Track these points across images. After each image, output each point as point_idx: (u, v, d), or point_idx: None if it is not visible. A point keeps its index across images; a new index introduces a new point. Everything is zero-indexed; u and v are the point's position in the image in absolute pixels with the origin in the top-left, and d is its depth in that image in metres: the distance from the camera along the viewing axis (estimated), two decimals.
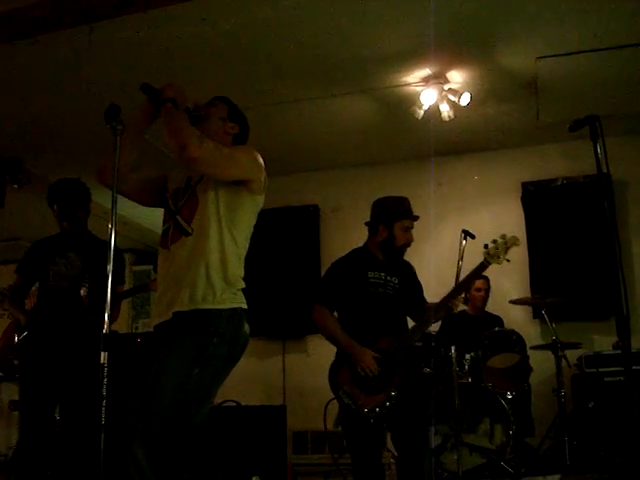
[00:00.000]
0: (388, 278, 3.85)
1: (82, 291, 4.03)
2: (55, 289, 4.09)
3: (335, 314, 3.86)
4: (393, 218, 3.86)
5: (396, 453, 3.77)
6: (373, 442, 3.66)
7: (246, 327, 2.69)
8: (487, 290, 6.02)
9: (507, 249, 3.75)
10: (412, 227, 3.90)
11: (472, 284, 5.78)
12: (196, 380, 2.52)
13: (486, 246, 3.78)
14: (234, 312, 2.65)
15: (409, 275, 4.01)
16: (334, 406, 3.91)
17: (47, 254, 4.18)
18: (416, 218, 3.92)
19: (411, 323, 3.93)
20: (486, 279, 5.92)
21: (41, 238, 4.37)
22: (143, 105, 2.80)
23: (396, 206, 3.92)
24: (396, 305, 3.85)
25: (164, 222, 2.83)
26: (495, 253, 3.73)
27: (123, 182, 2.70)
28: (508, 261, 3.78)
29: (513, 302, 5.77)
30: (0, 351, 4.45)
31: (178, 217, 2.73)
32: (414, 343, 3.84)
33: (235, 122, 2.98)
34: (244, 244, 2.79)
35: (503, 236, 3.78)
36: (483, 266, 3.78)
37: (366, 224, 4.01)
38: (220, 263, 2.66)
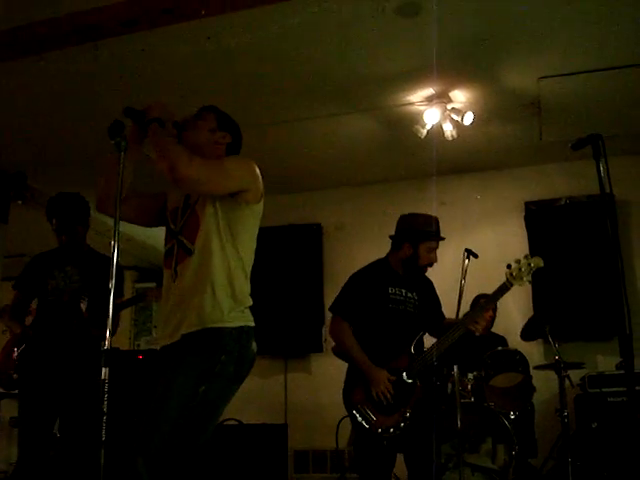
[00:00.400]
0: (409, 295, 3.80)
1: (82, 305, 4.01)
2: (54, 304, 4.07)
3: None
4: (420, 238, 3.81)
5: (399, 475, 3.72)
6: (384, 463, 3.60)
7: (254, 345, 2.67)
8: (495, 311, 5.96)
9: (531, 270, 3.68)
10: (437, 247, 3.86)
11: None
12: (202, 398, 2.50)
13: (509, 266, 3.70)
14: (242, 330, 2.62)
15: (428, 291, 3.97)
16: (346, 423, 3.87)
17: (45, 269, 4.17)
18: (442, 239, 3.87)
19: (428, 339, 3.88)
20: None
21: (39, 253, 4.35)
22: (130, 129, 2.74)
23: (425, 225, 3.87)
24: (416, 323, 3.79)
25: (166, 242, 2.81)
26: (519, 275, 3.66)
27: (121, 206, 2.65)
28: (530, 283, 3.72)
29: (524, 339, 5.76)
30: (1, 367, 4.43)
31: (180, 237, 2.71)
32: (432, 362, 3.78)
33: (226, 131, 2.92)
34: (249, 257, 2.75)
35: (527, 256, 3.72)
36: (505, 288, 3.71)
37: (390, 237, 3.97)
38: (226, 280, 2.63)
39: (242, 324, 2.63)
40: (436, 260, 3.84)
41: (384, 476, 3.61)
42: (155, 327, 10.18)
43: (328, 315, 7.12)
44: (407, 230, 3.88)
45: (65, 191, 4.33)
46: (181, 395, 2.48)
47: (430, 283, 4.01)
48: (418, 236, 3.82)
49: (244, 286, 2.70)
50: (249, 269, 2.75)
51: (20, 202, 6.23)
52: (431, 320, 3.90)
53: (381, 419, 3.55)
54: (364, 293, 3.78)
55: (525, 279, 3.68)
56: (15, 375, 4.18)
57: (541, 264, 3.73)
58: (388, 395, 3.54)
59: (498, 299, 3.82)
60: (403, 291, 3.79)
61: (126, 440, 2.45)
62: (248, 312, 2.69)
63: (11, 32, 4.49)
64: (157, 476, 2.37)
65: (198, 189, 2.65)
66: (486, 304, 3.79)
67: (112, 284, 2.51)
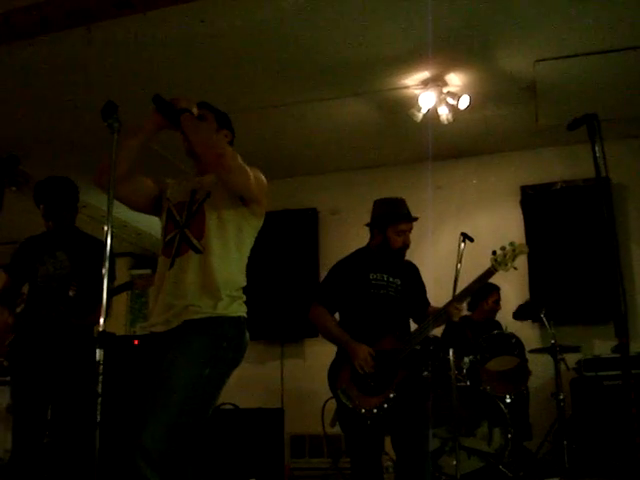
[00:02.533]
0: (390, 280, 3.82)
1: (70, 292, 3.96)
2: (44, 290, 4.02)
3: (337, 316, 3.83)
4: (386, 222, 3.82)
5: (394, 457, 3.75)
6: (371, 444, 3.62)
7: (247, 335, 2.77)
8: (498, 302, 5.98)
9: (515, 257, 3.73)
10: (409, 230, 3.84)
11: (490, 295, 5.79)
12: (206, 381, 2.57)
13: (494, 252, 3.75)
14: (239, 320, 2.72)
15: (413, 276, 3.97)
16: (332, 406, 3.89)
17: (35, 254, 4.11)
18: (412, 220, 3.86)
19: (414, 325, 3.91)
20: (497, 288, 5.89)
21: (29, 237, 4.30)
22: (151, 116, 2.79)
23: (389, 208, 3.87)
24: (398, 307, 3.81)
25: (167, 231, 2.83)
26: (503, 260, 3.71)
27: (120, 187, 2.72)
28: (515, 269, 3.77)
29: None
30: None
31: (186, 231, 2.75)
32: (414, 347, 3.81)
33: (226, 128, 2.99)
34: (246, 258, 2.87)
35: (512, 243, 3.76)
36: (490, 273, 3.75)
37: (366, 225, 4.00)
38: (229, 277, 2.73)
39: (240, 315, 2.74)
40: (408, 242, 3.84)
41: (373, 457, 3.62)
42: None
43: None
44: (374, 217, 3.90)
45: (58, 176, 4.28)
46: (189, 374, 2.54)
47: (415, 269, 4.02)
48: (384, 221, 3.83)
49: (242, 282, 2.80)
50: (245, 268, 2.86)
51: (14, 189, 6.19)
52: (415, 305, 3.91)
53: (364, 400, 3.58)
54: (345, 280, 3.80)
55: (509, 264, 3.72)
56: (5, 363, 4.15)
57: (525, 250, 3.76)
58: (370, 365, 3.56)
59: (483, 283, 3.83)
60: (385, 276, 3.80)
61: (134, 420, 2.46)
62: (244, 305, 2.79)
63: (2, 16, 4.45)
64: (167, 457, 2.40)
65: (235, 180, 2.69)
66: (471, 286, 3.80)
67: (105, 268, 2.49)
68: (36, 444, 3.79)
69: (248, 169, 2.72)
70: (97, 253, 3.64)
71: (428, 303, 4.00)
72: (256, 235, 2.91)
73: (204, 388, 2.57)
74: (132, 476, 2.39)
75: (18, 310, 4.21)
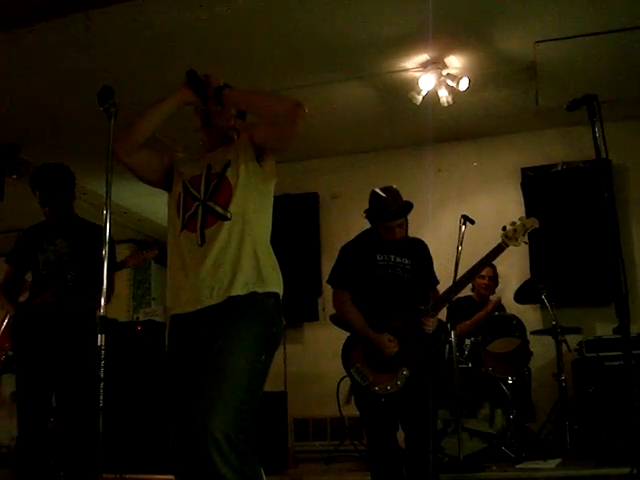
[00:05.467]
0: (398, 260, 3.83)
1: (68, 276, 3.96)
2: (47, 277, 4.03)
3: None
4: (375, 219, 3.86)
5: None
6: (386, 421, 3.65)
7: (283, 319, 2.74)
8: (492, 278, 5.93)
9: (526, 231, 3.75)
10: (399, 224, 3.81)
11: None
12: (263, 367, 2.54)
13: (504, 228, 3.77)
14: (278, 300, 2.71)
15: (421, 254, 3.97)
16: (346, 385, 3.94)
17: (36, 242, 4.11)
18: (401, 216, 3.82)
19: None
20: (492, 267, 5.84)
21: (30, 226, 4.31)
22: (181, 89, 2.79)
23: (377, 205, 3.85)
24: (407, 286, 3.82)
25: (186, 207, 2.75)
26: (513, 235, 3.73)
27: (134, 154, 2.73)
28: (526, 243, 3.80)
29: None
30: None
31: (209, 203, 2.69)
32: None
33: (240, 117, 2.97)
34: (270, 224, 2.86)
35: (521, 218, 3.80)
36: (500, 248, 3.76)
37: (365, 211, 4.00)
38: (264, 246, 2.73)
39: (278, 290, 2.72)
40: (401, 235, 3.83)
41: (388, 435, 3.65)
42: (154, 299, 10.20)
43: (326, 285, 7.19)
44: (367, 210, 3.92)
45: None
46: (249, 358, 2.48)
47: (423, 247, 4.02)
48: (373, 216, 3.87)
49: (272, 251, 2.80)
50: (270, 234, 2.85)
51: (15, 177, 6.18)
52: (425, 283, 3.92)
53: (378, 378, 3.62)
54: (354, 262, 3.84)
55: (520, 240, 3.74)
56: (10, 352, 4.16)
57: (536, 225, 3.78)
58: (394, 349, 3.60)
59: (493, 259, 3.86)
60: (392, 257, 3.82)
61: (196, 405, 2.37)
62: (280, 273, 2.79)
63: (2, 3, 4.44)
64: (239, 443, 2.32)
65: (292, 131, 2.70)
66: (481, 263, 3.82)
67: (105, 252, 2.50)
68: (41, 430, 3.81)
69: None
70: (96, 238, 3.64)
71: (436, 281, 4.00)
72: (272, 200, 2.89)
73: (262, 374, 2.53)
74: (196, 465, 2.32)
75: (22, 299, 4.23)
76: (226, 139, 2.88)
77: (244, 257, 2.62)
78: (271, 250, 2.77)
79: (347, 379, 3.83)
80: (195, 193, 2.76)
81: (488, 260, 3.84)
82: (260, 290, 2.62)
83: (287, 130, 2.71)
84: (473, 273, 3.87)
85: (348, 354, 3.77)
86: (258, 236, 2.71)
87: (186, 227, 2.71)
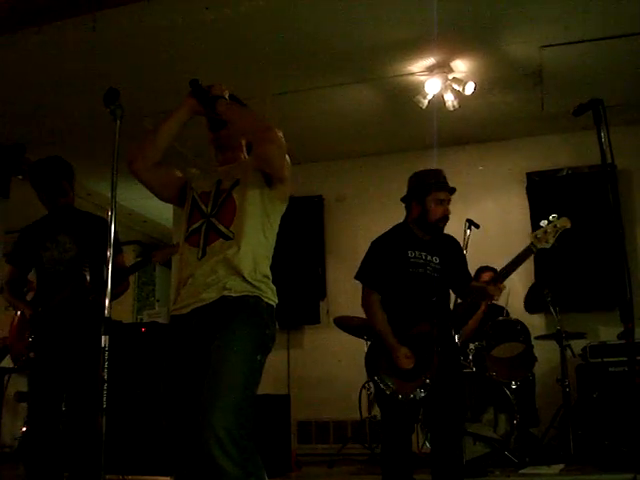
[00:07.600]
0: (429, 258, 3.74)
1: (86, 274, 3.92)
2: (52, 275, 3.98)
3: None
4: (425, 192, 3.73)
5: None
6: (405, 427, 3.63)
7: (276, 323, 2.77)
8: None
9: (557, 232, 3.56)
10: (448, 200, 3.75)
11: (479, 277, 5.75)
12: (259, 366, 2.57)
13: (539, 226, 3.60)
14: (272, 310, 2.72)
15: (453, 251, 3.87)
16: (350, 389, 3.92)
17: (37, 240, 4.04)
18: (452, 190, 3.77)
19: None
20: (494, 271, 5.78)
21: (28, 224, 4.26)
22: (186, 100, 2.80)
23: (428, 178, 3.77)
24: (437, 287, 3.74)
25: (192, 220, 2.81)
26: (544, 237, 3.55)
27: (150, 172, 2.77)
28: (556, 245, 3.59)
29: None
30: (15, 346, 4.32)
31: (213, 220, 2.75)
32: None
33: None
34: (274, 242, 2.89)
35: (553, 218, 3.59)
36: (529, 251, 3.59)
37: (402, 200, 3.91)
38: (261, 262, 2.74)
39: (273, 302, 2.74)
40: (448, 212, 3.74)
41: (404, 440, 3.62)
42: (158, 301, 10.23)
43: (329, 287, 7.21)
44: (412, 188, 3.83)
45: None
46: (246, 358, 2.52)
47: (455, 243, 3.92)
48: (422, 190, 3.75)
49: (267, 269, 2.81)
50: (272, 252, 2.89)
51: (20, 177, 6.19)
52: (456, 280, 3.85)
53: (402, 385, 3.58)
54: (385, 258, 3.75)
55: (551, 241, 3.56)
56: (32, 354, 4.09)
57: (568, 225, 3.58)
58: (407, 366, 3.57)
59: (521, 264, 3.63)
60: (423, 254, 3.73)
61: (198, 403, 2.42)
62: (275, 291, 2.80)
63: (8, 4, 4.46)
64: (241, 439, 2.36)
65: (274, 153, 2.75)
66: (509, 267, 3.68)
67: (110, 253, 2.50)
68: (50, 431, 3.79)
69: (284, 147, 2.78)
70: (100, 230, 3.64)
71: (470, 277, 3.95)
72: (279, 221, 2.92)
73: (257, 374, 2.56)
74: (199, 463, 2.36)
75: (28, 298, 4.20)
76: (234, 153, 2.93)
77: (242, 271, 2.65)
78: (269, 269, 2.79)
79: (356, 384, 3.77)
80: (203, 207, 2.81)
81: (516, 265, 3.60)
82: (254, 293, 2.66)
83: (262, 149, 2.76)
84: (501, 276, 3.64)
85: (372, 362, 3.72)
86: (259, 256, 2.73)
87: (188, 240, 2.79)
